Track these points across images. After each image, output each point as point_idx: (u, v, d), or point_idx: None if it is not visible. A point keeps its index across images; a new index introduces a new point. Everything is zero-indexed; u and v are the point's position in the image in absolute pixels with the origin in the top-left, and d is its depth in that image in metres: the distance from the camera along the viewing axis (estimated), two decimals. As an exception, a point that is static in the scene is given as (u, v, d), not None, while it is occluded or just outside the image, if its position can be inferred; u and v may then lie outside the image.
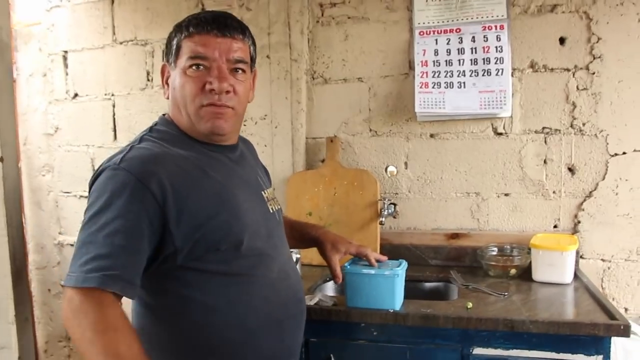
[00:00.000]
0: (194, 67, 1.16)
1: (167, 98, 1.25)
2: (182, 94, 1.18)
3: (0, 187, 1.83)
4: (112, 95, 2.47)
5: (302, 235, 1.54)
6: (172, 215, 1.07)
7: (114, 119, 2.48)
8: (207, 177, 1.16)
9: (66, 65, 2.54)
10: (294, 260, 1.57)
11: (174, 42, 1.20)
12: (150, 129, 1.23)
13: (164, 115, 1.28)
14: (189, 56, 1.16)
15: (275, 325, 1.20)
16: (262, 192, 1.31)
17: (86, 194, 2.60)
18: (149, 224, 1.05)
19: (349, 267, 1.54)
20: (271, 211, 1.30)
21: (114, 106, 2.47)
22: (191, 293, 1.13)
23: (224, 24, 1.17)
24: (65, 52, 2.53)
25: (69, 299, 1.00)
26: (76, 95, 2.53)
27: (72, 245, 2.57)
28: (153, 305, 1.16)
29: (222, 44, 1.16)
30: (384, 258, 1.56)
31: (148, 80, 2.41)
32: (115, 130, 2.48)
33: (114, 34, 2.44)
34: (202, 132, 1.20)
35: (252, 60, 1.27)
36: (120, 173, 1.06)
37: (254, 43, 1.27)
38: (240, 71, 1.20)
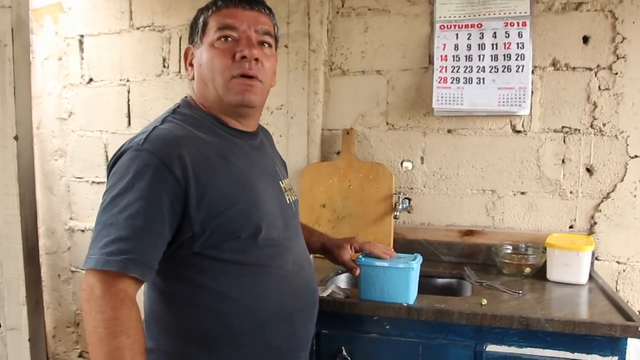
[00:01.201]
0: (222, 39, 1.16)
1: (192, 79, 1.24)
2: (210, 67, 1.17)
3: (14, 166, 1.82)
4: (128, 81, 2.46)
5: (308, 242, 1.48)
6: (193, 199, 1.06)
7: (129, 105, 2.47)
8: (228, 164, 1.14)
9: (82, 50, 2.53)
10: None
11: (200, 20, 1.20)
12: (173, 111, 1.21)
13: (185, 97, 1.26)
14: (217, 28, 1.16)
15: (287, 318, 1.20)
16: (280, 182, 1.30)
17: (98, 179, 2.62)
18: (170, 207, 1.04)
19: (363, 259, 1.52)
20: (288, 202, 1.29)
21: (128, 92, 2.47)
22: (205, 281, 1.12)
23: None
24: (82, 36, 2.52)
25: (91, 286, 1.00)
26: (91, 80, 2.53)
27: (82, 231, 2.58)
28: (166, 290, 1.15)
29: (250, 16, 1.17)
30: (393, 253, 1.54)
31: (164, 66, 2.40)
32: (129, 117, 2.47)
33: (131, 19, 2.43)
34: (230, 105, 1.18)
35: (276, 40, 1.27)
36: (143, 154, 1.05)
37: (276, 25, 1.27)
38: (266, 45, 1.20)
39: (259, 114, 1.30)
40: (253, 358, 1.16)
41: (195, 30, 1.22)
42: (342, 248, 1.51)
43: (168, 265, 1.11)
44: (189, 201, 1.06)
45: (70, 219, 2.61)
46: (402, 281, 1.50)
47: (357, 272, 1.49)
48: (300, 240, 1.32)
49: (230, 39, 1.16)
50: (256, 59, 1.16)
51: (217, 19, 1.17)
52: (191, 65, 1.24)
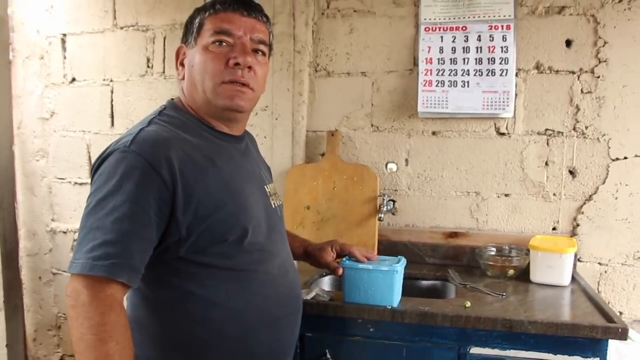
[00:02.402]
0: (217, 43, 1.15)
1: (182, 79, 1.22)
2: (202, 70, 1.15)
3: (-8, 168, 1.78)
4: (111, 81, 2.43)
5: (291, 247, 1.44)
6: (180, 202, 1.05)
7: (112, 105, 2.44)
8: (215, 167, 1.13)
9: (64, 49, 2.50)
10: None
11: (196, 20, 1.19)
12: (160, 113, 1.19)
13: (172, 99, 1.26)
14: (213, 31, 1.15)
15: (273, 322, 1.19)
16: (265, 187, 1.30)
17: (81, 180, 2.59)
18: (157, 210, 1.03)
19: (347, 262, 1.52)
20: (273, 206, 1.29)
21: (112, 92, 2.44)
22: (191, 287, 1.10)
23: (249, 5, 1.19)
24: (64, 35, 2.49)
25: (77, 292, 0.97)
26: (74, 79, 2.49)
27: (64, 232, 2.54)
28: (150, 296, 1.13)
29: (247, 23, 1.17)
30: (374, 255, 1.53)
31: (148, 67, 2.37)
32: (112, 117, 2.44)
33: (114, 18, 2.40)
34: (218, 108, 1.17)
35: (270, 48, 1.26)
36: (130, 156, 1.03)
37: (272, 33, 1.27)
38: (260, 53, 1.20)
39: (247, 119, 1.30)
40: None
41: (190, 30, 1.20)
42: (324, 250, 1.51)
43: (152, 271, 1.08)
44: (176, 204, 1.04)
45: (52, 220, 2.57)
46: (386, 284, 1.50)
47: (340, 271, 1.48)
48: (285, 245, 1.32)
49: (225, 43, 1.15)
50: (249, 67, 1.15)
51: (214, 22, 1.16)
52: (182, 65, 1.22)
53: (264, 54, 1.21)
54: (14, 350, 1.84)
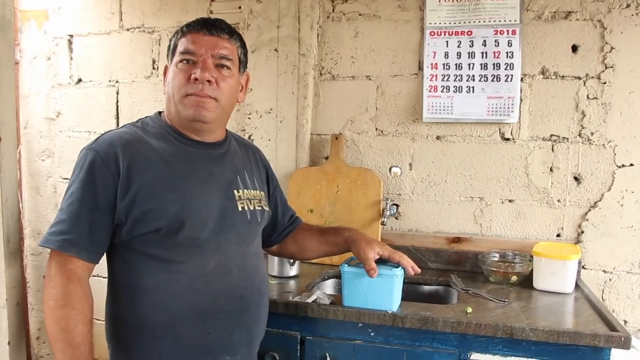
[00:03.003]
0: (184, 62, 1.29)
1: (165, 94, 1.36)
2: (172, 85, 1.30)
3: (-4, 167, 1.79)
4: (117, 82, 2.45)
5: (336, 235, 1.54)
6: (121, 191, 1.20)
7: (117, 106, 2.46)
8: (166, 166, 1.25)
9: (71, 50, 2.52)
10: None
11: (172, 42, 1.34)
12: (139, 120, 1.36)
13: (160, 111, 1.39)
14: (180, 52, 1.30)
15: (198, 316, 1.24)
16: (235, 191, 1.35)
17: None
18: (105, 198, 1.19)
19: (346, 265, 1.52)
20: (241, 210, 1.33)
21: (117, 93, 2.45)
22: (129, 273, 1.24)
23: (212, 25, 1.31)
24: (71, 36, 2.51)
25: (49, 266, 1.18)
26: (80, 80, 2.51)
27: (68, 231, 2.55)
28: (109, 281, 1.29)
29: (209, 41, 1.29)
30: (417, 270, 1.50)
31: (153, 68, 2.39)
32: (118, 118, 2.46)
33: (121, 20, 2.42)
34: (185, 119, 1.30)
35: (241, 61, 1.37)
36: (90, 152, 1.22)
37: (243, 47, 1.38)
38: (225, 68, 1.31)
39: (219, 127, 1.38)
40: (167, 351, 1.23)
41: (169, 51, 1.36)
42: (370, 247, 1.47)
43: (110, 257, 1.27)
44: (117, 192, 1.20)
45: (57, 220, 2.58)
46: (386, 288, 1.49)
47: (375, 274, 1.45)
48: (243, 247, 1.34)
49: (190, 61, 1.28)
50: (209, 81, 1.27)
51: (182, 43, 1.30)
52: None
53: (229, 68, 1.32)
54: (16, 348, 1.84)
